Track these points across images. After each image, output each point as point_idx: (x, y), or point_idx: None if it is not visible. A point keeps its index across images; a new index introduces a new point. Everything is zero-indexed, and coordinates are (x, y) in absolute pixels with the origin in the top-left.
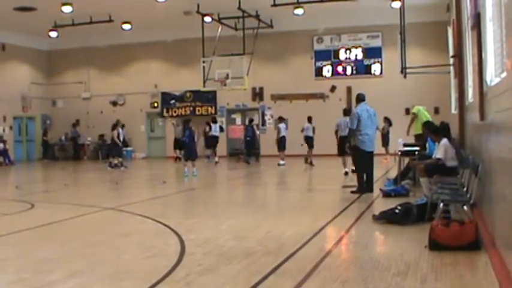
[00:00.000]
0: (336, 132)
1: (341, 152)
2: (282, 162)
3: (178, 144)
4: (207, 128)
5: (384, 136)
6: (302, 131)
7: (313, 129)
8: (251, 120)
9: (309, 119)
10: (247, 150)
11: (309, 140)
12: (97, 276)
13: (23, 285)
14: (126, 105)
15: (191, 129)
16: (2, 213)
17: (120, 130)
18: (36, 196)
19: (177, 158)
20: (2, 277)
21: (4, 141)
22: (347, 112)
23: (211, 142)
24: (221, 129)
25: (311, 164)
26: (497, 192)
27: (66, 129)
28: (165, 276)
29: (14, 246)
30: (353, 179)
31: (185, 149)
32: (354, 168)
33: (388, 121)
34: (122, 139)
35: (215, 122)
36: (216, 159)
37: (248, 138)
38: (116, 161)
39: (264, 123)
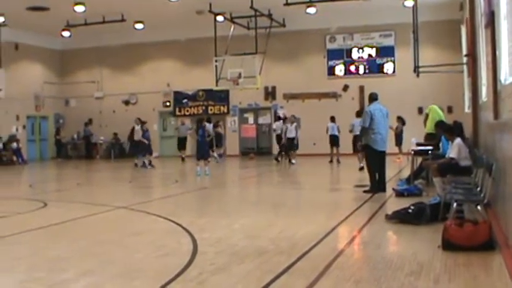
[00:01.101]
0: (350, 131)
1: (356, 149)
2: (293, 161)
3: (181, 143)
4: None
5: (398, 135)
6: (327, 131)
7: (338, 127)
8: (284, 118)
9: (332, 119)
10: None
11: (334, 139)
12: (109, 275)
13: (36, 284)
14: (139, 104)
15: (204, 129)
16: (15, 212)
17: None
18: (48, 195)
19: (183, 158)
20: (15, 276)
21: (17, 141)
22: (359, 113)
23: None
24: (214, 126)
25: (338, 162)
26: None
27: (79, 129)
28: (177, 275)
29: (26, 245)
30: (366, 179)
31: (198, 148)
32: (362, 165)
33: (401, 120)
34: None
35: (210, 121)
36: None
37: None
38: (142, 160)
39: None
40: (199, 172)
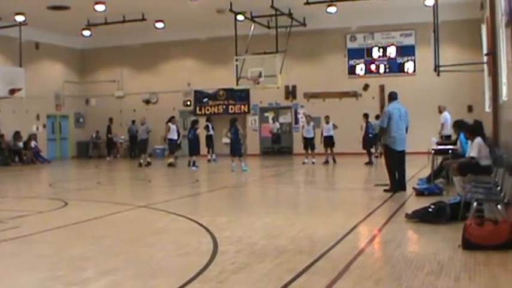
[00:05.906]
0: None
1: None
2: (306, 160)
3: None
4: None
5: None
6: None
7: (334, 125)
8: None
9: (326, 119)
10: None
11: (329, 140)
12: (130, 273)
13: (57, 282)
14: (159, 103)
15: (237, 128)
16: (37, 211)
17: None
18: (69, 194)
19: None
20: (36, 274)
21: (35, 138)
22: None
23: (209, 142)
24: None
25: (334, 161)
26: None
27: (99, 128)
28: (198, 274)
29: (48, 244)
30: (386, 178)
31: (231, 146)
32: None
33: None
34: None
35: (210, 121)
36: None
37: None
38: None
39: (296, 121)
40: (234, 168)
